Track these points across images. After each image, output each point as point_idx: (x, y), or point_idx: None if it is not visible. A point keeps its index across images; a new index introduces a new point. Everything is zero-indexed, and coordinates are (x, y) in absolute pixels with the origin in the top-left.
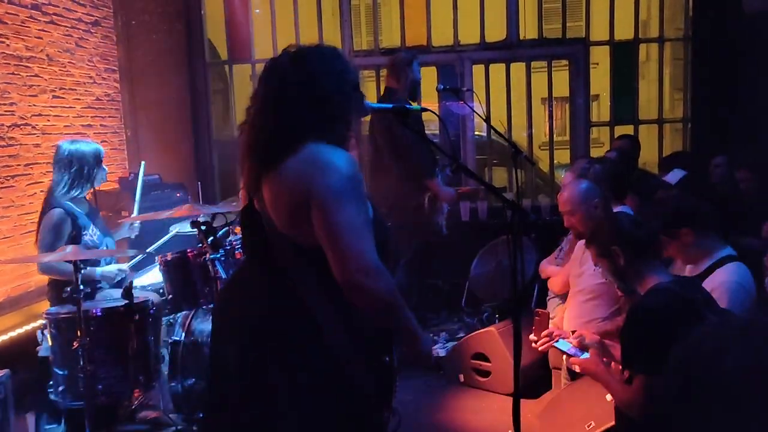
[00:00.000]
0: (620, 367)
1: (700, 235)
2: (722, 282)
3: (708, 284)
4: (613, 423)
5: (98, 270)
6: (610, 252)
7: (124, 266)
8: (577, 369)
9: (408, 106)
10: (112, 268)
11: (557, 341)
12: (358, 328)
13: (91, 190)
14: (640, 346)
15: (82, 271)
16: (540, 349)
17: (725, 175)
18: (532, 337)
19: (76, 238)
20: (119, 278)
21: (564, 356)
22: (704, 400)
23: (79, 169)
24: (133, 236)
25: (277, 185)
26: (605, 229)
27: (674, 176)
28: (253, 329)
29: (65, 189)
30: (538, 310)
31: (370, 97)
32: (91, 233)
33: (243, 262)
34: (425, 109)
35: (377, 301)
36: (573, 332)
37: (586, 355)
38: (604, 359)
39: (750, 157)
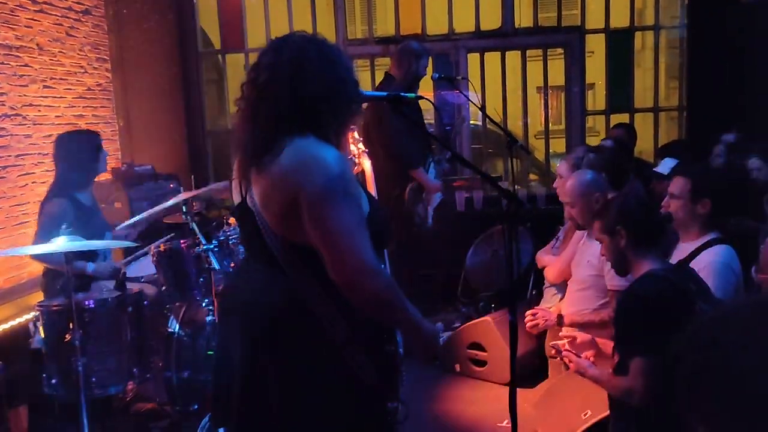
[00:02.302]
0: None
1: (714, 212)
2: (709, 262)
3: (695, 265)
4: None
5: (91, 265)
6: (614, 231)
7: (119, 264)
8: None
9: (403, 94)
10: (107, 266)
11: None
12: (360, 319)
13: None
14: (634, 329)
15: (75, 263)
16: (527, 326)
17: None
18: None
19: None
20: (113, 275)
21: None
22: (716, 401)
23: (78, 158)
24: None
25: (266, 184)
26: (613, 207)
27: (665, 166)
28: (254, 324)
29: (67, 180)
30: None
31: (365, 86)
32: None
33: (243, 257)
34: (420, 97)
35: (375, 299)
36: (560, 316)
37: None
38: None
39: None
